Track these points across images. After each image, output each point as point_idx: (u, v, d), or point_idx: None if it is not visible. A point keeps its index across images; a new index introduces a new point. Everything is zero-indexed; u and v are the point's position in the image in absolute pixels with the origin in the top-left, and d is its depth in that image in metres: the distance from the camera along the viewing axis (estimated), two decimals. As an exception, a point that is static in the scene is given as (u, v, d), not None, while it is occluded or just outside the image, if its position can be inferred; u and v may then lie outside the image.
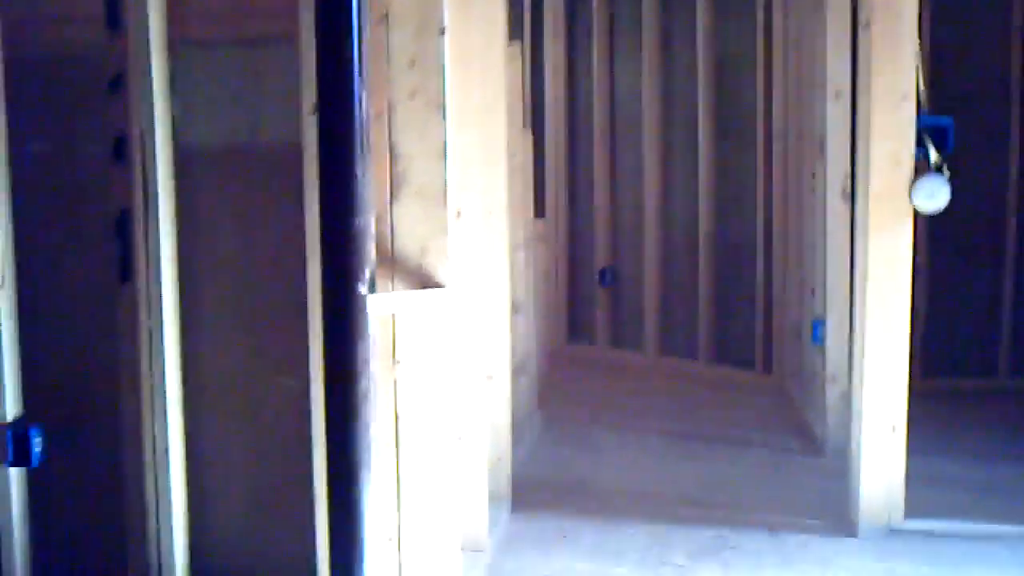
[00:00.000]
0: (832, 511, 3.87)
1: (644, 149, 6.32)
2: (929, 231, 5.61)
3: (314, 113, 2.52)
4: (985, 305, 5.79)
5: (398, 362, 2.64)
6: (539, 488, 4.17)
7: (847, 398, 4.05)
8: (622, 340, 6.54)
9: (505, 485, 3.86)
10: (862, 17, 3.66)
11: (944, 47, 5.57)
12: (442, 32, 2.61)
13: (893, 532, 3.68)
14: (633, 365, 6.34)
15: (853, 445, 3.75)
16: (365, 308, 2.37)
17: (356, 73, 2.39)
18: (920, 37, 4.30)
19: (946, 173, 3.54)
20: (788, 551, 3.59)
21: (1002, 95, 5.64)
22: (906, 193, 3.52)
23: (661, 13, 6.26)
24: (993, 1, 5.63)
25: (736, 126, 6.01)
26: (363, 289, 2.36)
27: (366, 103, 2.41)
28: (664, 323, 6.36)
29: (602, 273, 6.53)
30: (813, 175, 4.86)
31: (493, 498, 3.63)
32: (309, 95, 2.59)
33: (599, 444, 4.85)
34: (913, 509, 3.72)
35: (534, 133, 5.63)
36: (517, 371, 4.34)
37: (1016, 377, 5.67)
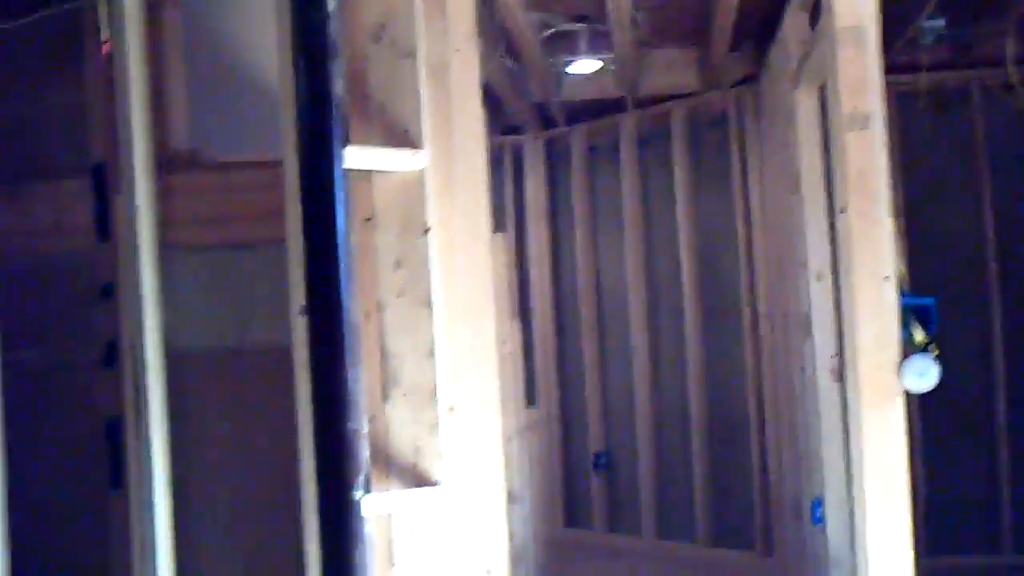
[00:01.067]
0: None
1: (632, 332, 6.37)
2: (922, 407, 5.62)
3: (303, 315, 2.53)
4: (983, 480, 5.76)
5: (394, 565, 2.60)
6: None
7: (851, 581, 3.99)
8: (619, 524, 6.47)
9: None
10: (838, 202, 3.73)
11: (920, 226, 5.70)
12: (426, 231, 2.66)
13: None
14: (630, 550, 6.25)
15: (860, 630, 3.67)
16: (360, 513, 2.35)
17: (344, 274, 2.42)
18: (896, 218, 4.44)
19: (933, 352, 3.57)
20: None
21: (979, 269, 5.73)
22: (895, 373, 3.53)
23: (642, 196, 6.40)
24: (964, 176, 5.77)
25: (721, 305, 6.08)
26: (358, 494, 2.34)
27: (355, 304, 2.44)
28: (660, 506, 6.30)
29: (596, 457, 6.49)
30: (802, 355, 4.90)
31: None
32: (298, 297, 2.61)
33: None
34: None
35: (522, 321, 5.68)
36: (515, 561, 4.27)
37: (1021, 553, 5.59)
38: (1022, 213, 5.42)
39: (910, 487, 3.58)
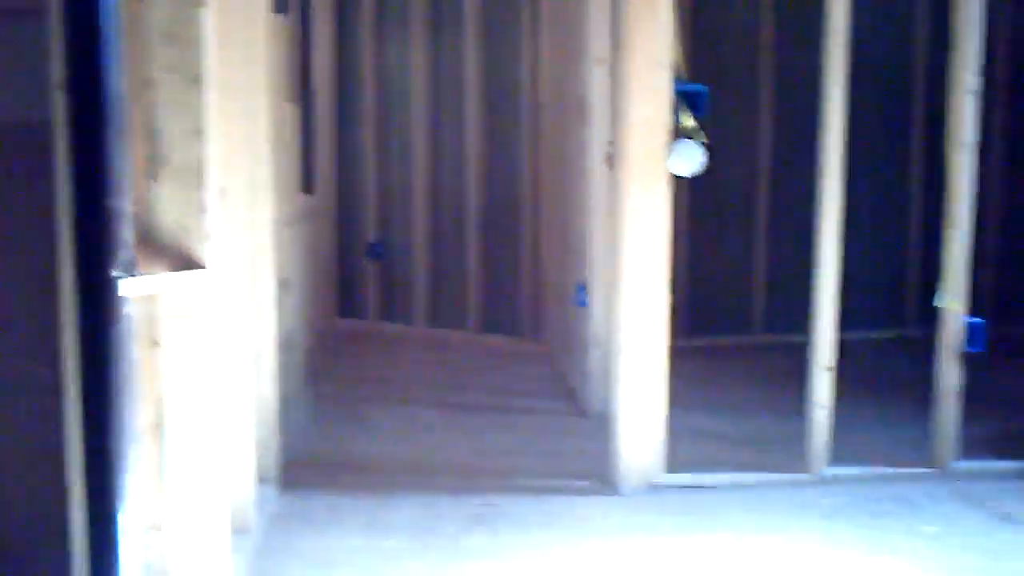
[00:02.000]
0: (597, 472, 3.98)
1: (413, 122, 6.31)
2: (690, 197, 5.83)
3: (63, 88, 2.39)
4: (740, 267, 6.06)
5: (159, 345, 2.55)
6: (310, 466, 4.13)
7: (610, 360, 4.16)
8: (392, 313, 6.54)
9: (273, 465, 3.80)
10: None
11: (701, 20, 5.79)
12: (200, 4, 2.53)
13: (653, 488, 3.81)
14: (404, 338, 6.34)
15: (614, 406, 3.85)
16: (119, 291, 2.28)
17: (109, 47, 2.28)
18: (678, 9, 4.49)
19: (701, 138, 3.66)
20: (554, 513, 3.67)
21: (753, 69, 5.89)
22: (663, 157, 3.63)
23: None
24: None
25: (505, 97, 6.07)
26: (117, 271, 2.27)
27: (121, 79, 2.31)
28: (434, 295, 6.39)
29: (371, 247, 6.50)
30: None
31: (261, 478, 3.57)
32: (58, 69, 2.46)
33: (370, 419, 4.83)
34: (674, 464, 3.86)
35: (303, 108, 5.54)
36: (285, 349, 4.27)
37: (770, 333, 5.95)
38: (801, 7, 5.55)
39: (674, 272, 3.73)
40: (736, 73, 5.91)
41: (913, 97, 5.96)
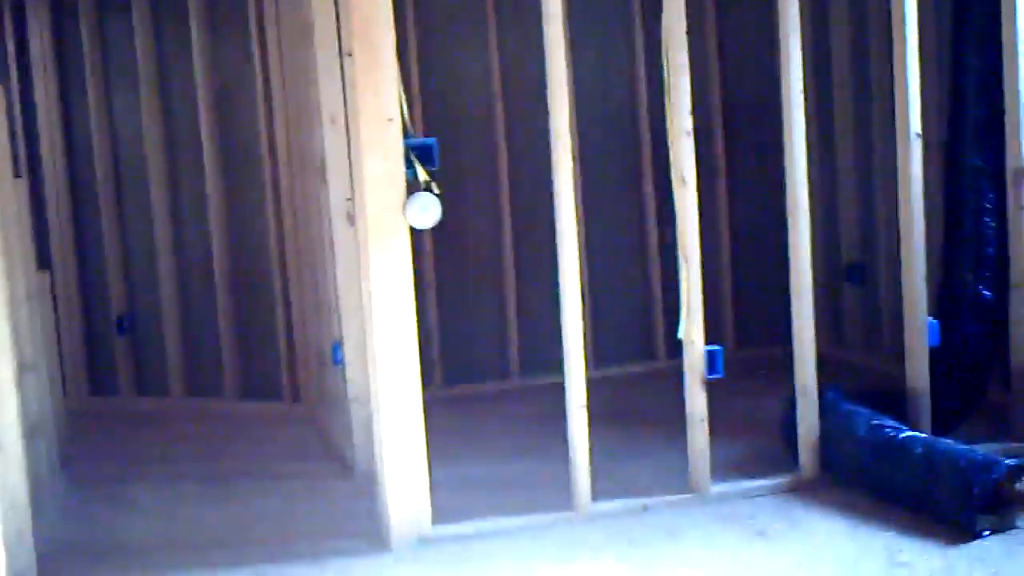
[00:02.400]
0: (367, 529, 3.95)
1: (151, 187, 6.15)
2: (437, 250, 5.90)
3: None
4: (495, 313, 6.14)
5: None
6: (71, 556, 3.95)
7: (371, 416, 4.14)
8: (147, 387, 6.32)
9: (29, 560, 3.59)
10: (344, 47, 3.76)
11: (431, 70, 5.90)
12: None
13: (424, 541, 3.80)
14: (159, 411, 6.14)
15: (377, 462, 3.84)
16: None
17: None
18: (404, 66, 4.57)
19: (436, 190, 3.71)
20: (327, 576, 3.61)
21: (489, 108, 6.03)
22: (400, 211, 3.66)
23: (156, 43, 6.11)
24: (472, 20, 6.00)
25: (242, 157, 5.99)
26: None
27: None
28: (188, 364, 6.21)
29: (119, 320, 6.27)
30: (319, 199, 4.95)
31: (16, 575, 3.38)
32: None
33: (130, 498, 4.65)
34: (442, 515, 3.86)
35: (30, 180, 5.33)
36: (32, 434, 4.07)
37: (527, 377, 6.05)
38: (524, 54, 5.70)
39: (426, 321, 3.75)
40: (472, 124, 6.04)
41: (641, 140, 6.19)
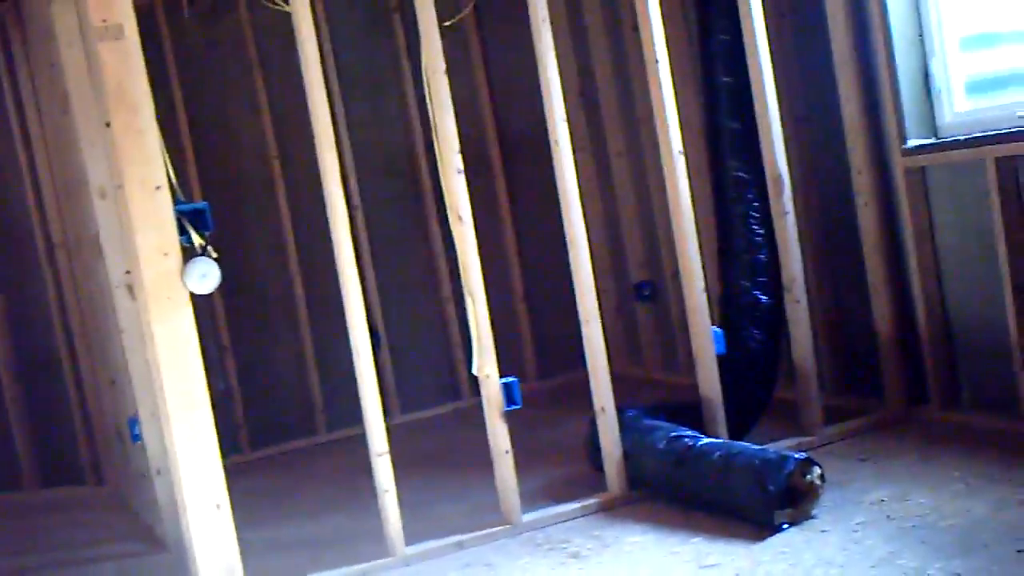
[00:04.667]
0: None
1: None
2: (228, 307, 5.81)
3: None
4: (295, 369, 6.08)
5: None
6: None
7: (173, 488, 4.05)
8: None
9: None
10: (103, 116, 3.67)
11: (206, 131, 5.83)
12: None
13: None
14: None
15: (184, 532, 3.76)
16: None
17: None
18: (172, 129, 4.50)
19: (213, 253, 3.66)
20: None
21: (266, 167, 5.99)
22: (179, 278, 3.60)
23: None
24: (242, 82, 5.95)
25: (14, 238, 5.78)
26: None
27: None
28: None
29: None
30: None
31: None
32: None
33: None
34: (257, 580, 3.81)
35: None
36: None
37: (333, 431, 6.01)
38: (295, 111, 5.67)
39: (207, 387, 3.69)
40: (252, 181, 6.00)
41: (422, 181, 6.25)
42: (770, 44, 4.40)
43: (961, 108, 4.40)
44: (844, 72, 4.53)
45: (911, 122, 4.42)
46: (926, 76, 4.43)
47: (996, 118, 4.19)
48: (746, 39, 4.39)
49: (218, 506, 3.68)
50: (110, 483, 5.66)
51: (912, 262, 4.48)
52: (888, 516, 3.60)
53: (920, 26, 4.43)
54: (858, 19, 4.51)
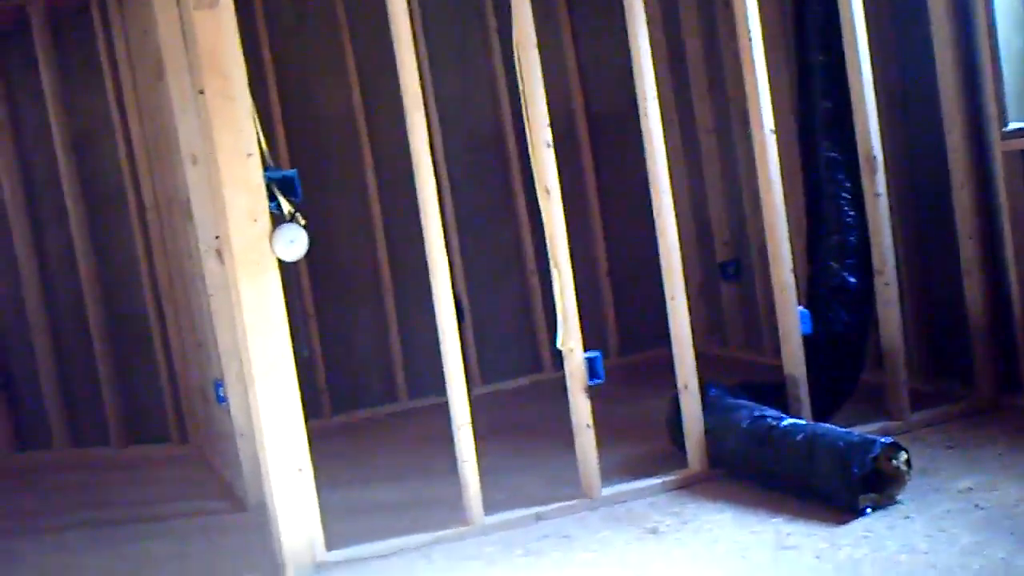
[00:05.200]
0: (265, 561, 3.90)
1: (15, 238, 6.02)
2: (312, 280, 5.88)
3: None
4: (378, 338, 6.13)
5: None
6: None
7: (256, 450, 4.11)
8: (28, 441, 6.18)
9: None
10: (196, 84, 3.72)
11: (296, 102, 5.87)
12: None
13: (320, 567, 3.78)
14: (44, 464, 6.01)
15: (267, 494, 3.81)
16: None
17: None
18: (262, 98, 4.54)
19: (301, 220, 3.70)
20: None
21: (354, 140, 6.03)
22: (267, 244, 3.64)
23: (7, 96, 6.00)
24: (332, 53, 5.98)
25: (106, 200, 5.90)
26: None
27: None
28: (70, 415, 6.10)
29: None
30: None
31: None
32: None
33: (14, 555, 4.53)
34: (337, 541, 3.85)
35: None
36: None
37: (414, 399, 6.06)
38: (383, 84, 5.68)
39: (292, 350, 3.73)
40: (337, 150, 6.03)
41: (509, 155, 6.24)
42: (867, 21, 4.31)
43: (1064, 91, 4.29)
44: (943, 52, 4.42)
45: (1012, 105, 4.31)
46: (1029, 58, 4.32)
47: (1100, 101, 4.07)
48: (842, 14, 4.31)
49: (300, 470, 3.73)
50: (193, 442, 5.77)
51: (1008, 247, 4.37)
52: (976, 505, 3.53)
53: (1024, 7, 4.31)
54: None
